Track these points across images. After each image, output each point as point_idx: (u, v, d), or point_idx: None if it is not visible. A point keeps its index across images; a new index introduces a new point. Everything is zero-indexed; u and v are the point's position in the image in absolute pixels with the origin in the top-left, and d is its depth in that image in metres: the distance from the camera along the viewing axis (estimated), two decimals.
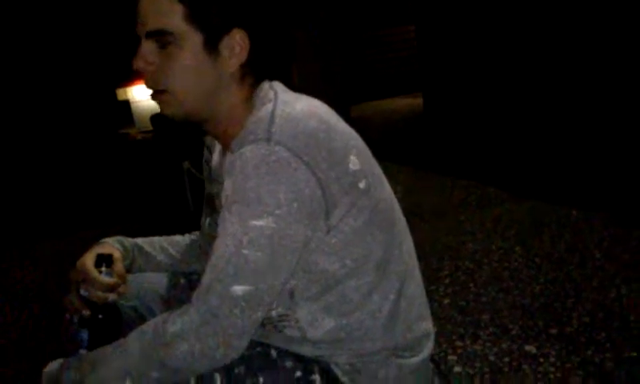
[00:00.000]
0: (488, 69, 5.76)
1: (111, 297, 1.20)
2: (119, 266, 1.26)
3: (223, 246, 0.96)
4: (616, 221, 3.21)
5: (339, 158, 1.00)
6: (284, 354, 1.11)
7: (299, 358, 1.11)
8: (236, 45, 1.07)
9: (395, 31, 9.97)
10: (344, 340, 1.09)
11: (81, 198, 5.46)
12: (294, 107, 1.01)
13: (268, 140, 0.94)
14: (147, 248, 1.40)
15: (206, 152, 1.34)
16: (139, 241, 1.40)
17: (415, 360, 1.16)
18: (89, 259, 1.23)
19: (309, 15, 5.21)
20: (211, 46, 1.05)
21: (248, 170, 0.94)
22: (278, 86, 1.12)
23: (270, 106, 1.02)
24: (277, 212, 0.93)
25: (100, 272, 1.20)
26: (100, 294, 1.19)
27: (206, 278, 0.98)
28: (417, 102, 8.21)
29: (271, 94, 1.08)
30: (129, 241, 1.37)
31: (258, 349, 1.11)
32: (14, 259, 3.91)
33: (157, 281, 1.39)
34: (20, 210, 5.36)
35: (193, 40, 1.04)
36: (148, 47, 1.06)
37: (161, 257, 1.41)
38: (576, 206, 3.52)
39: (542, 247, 3.04)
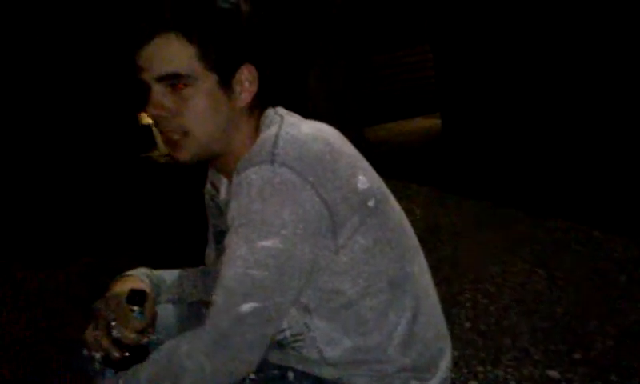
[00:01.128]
0: (506, 89, 5.75)
1: (144, 340, 1.13)
2: (151, 305, 1.22)
3: (231, 268, 0.97)
4: (637, 243, 3.17)
5: (346, 177, 1.00)
6: (302, 376, 1.12)
7: (318, 381, 1.11)
8: (246, 80, 1.09)
9: (411, 52, 10.00)
10: (362, 361, 1.09)
11: (102, 222, 5.52)
12: (298, 130, 1.03)
13: (272, 162, 0.95)
14: (170, 280, 1.37)
15: (209, 187, 1.32)
16: (162, 273, 1.37)
17: (434, 382, 1.15)
18: (121, 295, 1.16)
19: (323, 37, 5.25)
20: (224, 83, 1.07)
21: (253, 193, 0.95)
22: (283, 110, 1.14)
23: (274, 129, 1.04)
24: (283, 232, 0.94)
25: (132, 310, 1.13)
26: (134, 336, 1.12)
27: (215, 300, 0.99)
28: (434, 123, 8.21)
29: (276, 118, 1.10)
30: (154, 273, 1.34)
31: (275, 371, 1.12)
32: (41, 276, 3.95)
33: (180, 312, 1.39)
34: (44, 233, 5.42)
35: (208, 80, 1.05)
36: (161, 92, 1.05)
37: (184, 288, 1.40)
38: (597, 228, 3.48)
39: (563, 269, 3.01)
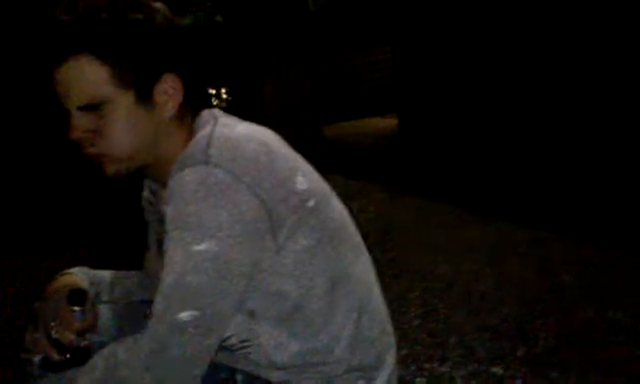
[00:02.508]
0: (463, 91, 5.85)
1: (84, 342, 1.11)
2: (92, 305, 1.19)
3: (169, 274, 0.95)
4: (585, 243, 3.27)
5: (284, 178, 1.00)
6: (250, 379, 1.10)
7: (267, 382, 1.10)
8: (169, 89, 1.06)
9: (370, 53, 10.08)
10: (310, 364, 1.08)
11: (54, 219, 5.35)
12: (233, 130, 1.01)
13: (206, 163, 0.93)
14: (111, 279, 1.34)
15: (147, 194, 1.28)
16: (103, 272, 1.34)
17: (381, 380, 1.15)
18: (61, 295, 1.14)
19: (279, 37, 5.24)
20: (144, 98, 1.04)
21: (187, 195, 0.93)
22: (219, 112, 1.12)
23: (207, 129, 1.02)
24: (219, 235, 0.92)
25: (73, 311, 1.09)
26: (74, 337, 1.09)
27: (154, 308, 0.96)
28: (392, 123, 8.29)
29: (210, 119, 1.07)
30: (93, 273, 1.31)
31: (223, 374, 1.10)
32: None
33: (123, 313, 1.35)
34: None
35: (125, 99, 1.02)
36: (81, 117, 1.03)
37: (126, 288, 1.35)
38: (546, 228, 3.57)
39: (511, 269, 3.08)
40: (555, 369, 2.14)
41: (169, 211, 0.96)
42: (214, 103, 7.72)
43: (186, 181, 0.94)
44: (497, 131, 5.36)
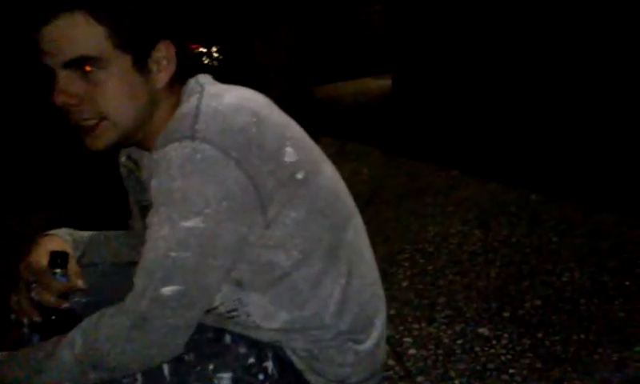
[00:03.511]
0: (458, 50, 5.79)
1: (64, 304, 1.11)
2: (74, 266, 1.19)
3: (153, 250, 0.94)
4: (573, 205, 3.30)
5: (272, 151, 0.98)
6: (238, 338, 1.10)
7: (253, 344, 1.10)
8: (163, 58, 1.04)
9: (364, 10, 9.94)
10: (299, 330, 1.10)
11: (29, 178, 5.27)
12: (220, 101, 0.98)
13: (193, 137, 0.92)
14: (96, 240, 1.34)
15: (124, 160, 1.26)
16: (88, 233, 1.33)
17: (370, 342, 1.17)
18: (42, 257, 1.14)
19: None
20: (140, 63, 1.01)
21: (173, 170, 0.92)
22: (206, 78, 1.09)
23: (194, 101, 0.99)
24: (205, 211, 0.92)
25: (54, 273, 1.09)
26: (53, 299, 1.10)
27: (136, 282, 0.96)
28: (385, 83, 8.22)
29: (197, 88, 1.05)
30: (78, 234, 1.30)
31: (210, 334, 1.10)
32: None
33: (111, 272, 1.35)
34: None
35: (121, 61, 0.99)
36: (68, 78, 0.98)
37: (111, 248, 1.36)
38: (536, 191, 3.59)
39: (500, 231, 3.11)
40: (541, 329, 2.19)
41: (154, 185, 0.95)
42: (205, 62, 7.62)
43: (172, 156, 0.92)
44: (492, 92, 5.33)
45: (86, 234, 1.33)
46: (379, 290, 1.23)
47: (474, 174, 4.11)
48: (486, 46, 5.36)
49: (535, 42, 4.81)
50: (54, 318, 1.09)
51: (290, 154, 1.01)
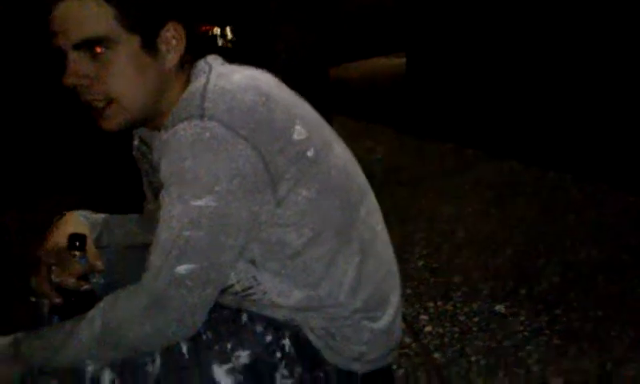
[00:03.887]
0: (474, 30, 5.73)
1: (85, 286, 1.13)
2: (93, 248, 1.21)
3: (166, 229, 0.95)
4: (590, 183, 3.27)
5: (282, 129, 0.98)
6: (256, 317, 1.10)
7: (271, 322, 1.10)
8: (172, 38, 1.03)
9: None
10: (315, 308, 1.10)
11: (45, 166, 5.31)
12: (228, 80, 0.98)
13: (201, 116, 0.92)
14: (113, 222, 1.35)
15: (138, 143, 1.26)
16: (106, 216, 1.35)
17: (386, 320, 1.17)
18: (61, 240, 1.15)
19: None
20: (149, 44, 1.01)
21: (183, 150, 0.92)
22: (215, 59, 1.09)
23: (202, 80, 0.99)
24: (216, 189, 0.92)
25: (74, 255, 1.11)
26: (73, 282, 1.12)
27: (151, 262, 0.97)
28: (400, 62, 8.17)
29: (206, 68, 1.05)
30: (95, 216, 1.32)
31: (227, 313, 1.10)
32: None
33: (128, 254, 1.34)
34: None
35: (130, 42, 0.99)
36: (79, 59, 0.99)
37: (128, 231, 1.36)
38: (552, 168, 3.57)
39: (516, 209, 3.10)
40: (557, 307, 2.18)
41: (164, 165, 0.95)
42: (219, 43, 7.59)
43: (181, 135, 0.92)
44: (508, 70, 5.28)
45: (102, 216, 1.34)
46: (394, 268, 1.22)
47: (490, 153, 4.08)
48: (502, 23, 5.30)
49: (552, 20, 4.74)
50: (73, 299, 1.11)
51: (299, 132, 1.00)
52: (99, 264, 1.19)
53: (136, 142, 1.28)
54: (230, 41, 8.61)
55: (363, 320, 1.14)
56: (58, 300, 1.12)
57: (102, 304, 1.02)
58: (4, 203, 4.02)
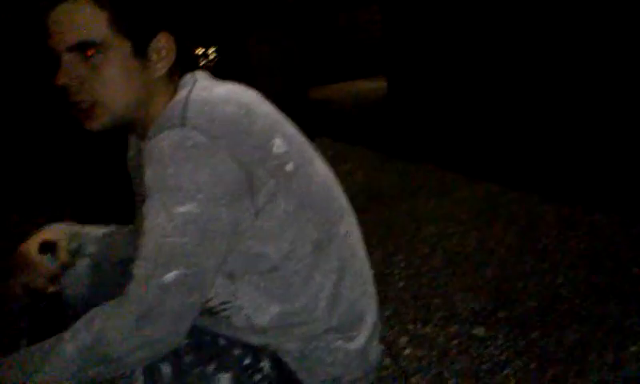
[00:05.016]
0: (454, 53, 5.81)
1: (52, 288, 1.18)
2: (63, 255, 1.24)
3: (150, 238, 0.96)
4: (569, 206, 3.31)
5: (262, 140, 1.00)
6: (233, 342, 1.12)
7: (247, 347, 1.12)
8: (162, 48, 1.07)
9: (359, 13, 9.97)
10: (290, 325, 1.10)
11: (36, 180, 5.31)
12: (211, 91, 1.01)
13: (183, 125, 0.94)
14: (97, 235, 1.36)
15: (132, 154, 1.29)
16: (90, 228, 1.37)
17: (360, 340, 1.17)
18: (32, 245, 1.21)
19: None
20: (139, 51, 1.04)
21: (165, 158, 0.93)
22: (202, 74, 1.12)
23: (185, 92, 1.02)
24: (199, 196, 0.94)
25: (42, 258, 1.18)
26: (41, 282, 1.17)
27: (136, 271, 0.97)
28: (381, 85, 8.24)
29: (190, 81, 1.08)
30: (76, 227, 1.34)
31: (207, 337, 1.11)
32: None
33: (108, 268, 1.37)
34: None
35: (121, 48, 1.03)
36: (71, 61, 1.02)
37: (113, 243, 1.37)
38: (531, 191, 3.60)
39: (496, 232, 3.12)
40: (536, 330, 2.19)
41: (147, 175, 0.97)
42: (202, 63, 7.63)
43: (163, 144, 0.94)
44: (488, 94, 5.35)
45: (88, 228, 1.36)
46: (371, 288, 1.23)
47: (470, 175, 4.12)
48: (482, 47, 5.38)
49: (530, 44, 4.83)
50: (42, 305, 1.16)
51: (279, 145, 1.02)
52: (67, 274, 1.24)
53: (131, 153, 1.29)
54: (212, 60, 8.67)
55: (337, 340, 1.14)
56: (25, 300, 1.17)
57: (85, 317, 1.01)
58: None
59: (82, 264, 1.33)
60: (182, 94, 1.02)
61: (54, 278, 1.19)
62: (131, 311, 0.97)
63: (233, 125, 0.97)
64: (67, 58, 1.02)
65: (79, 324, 1.01)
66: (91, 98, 1.04)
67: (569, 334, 2.14)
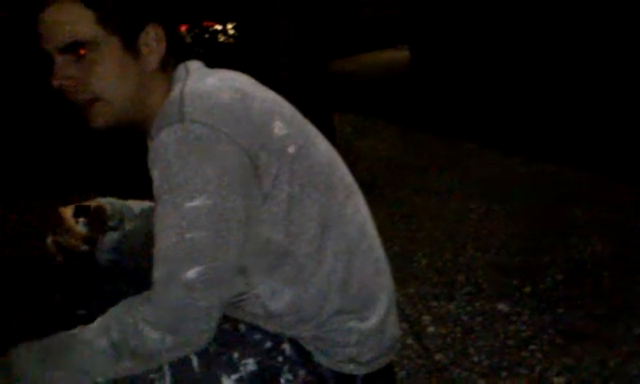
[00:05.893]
0: (478, 22, 5.70)
1: (84, 247, 1.22)
2: (99, 220, 1.27)
3: (165, 238, 0.95)
4: (595, 178, 3.25)
5: (261, 124, 1.00)
6: (253, 327, 1.12)
7: (266, 332, 1.12)
8: (152, 41, 1.06)
9: None
10: (304, 309, 1.10)
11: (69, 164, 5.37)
12: (203, 82, 1.01)
13: (182, 120, 0.93)
14: (138, 209, 1.38)
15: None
16: (131, 202, 1.39)
17: (375, 320, 1.16)
18: (69, 208, 1.26)
19: None
20: (129, 45, 1.04)
21: (169, 156, 0.93)
22: (194, 64, 1.11)
23: (179, 86, 1.02)
24: (209, 188, 0.93)
25: (77, 222, 1.23)
26: (72, 242, 1.21)
27: (157, 273, 0.97)
28: (404, 55, 8.13)
29: (182, 74, 1.07)
30: (119, 202, 1.36)
31: (227, 325, 1.11)
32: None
33: (139, 240, 1.37)
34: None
35: (110, 43, 1.03)
36: (64, 62, 1.03)
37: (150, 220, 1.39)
38: (557, 163, 3.55)
39: (520, 205, 3.08)
40: (562, 304, 2.17)
41: (154, 175, 0.96)
42: (220, 40, 7.59)
43: (165, 142, 0.94)
44: (512, 63, 5.25)
45: (130, 203, 1.38)
46: (384, 266, 1.22)
47: (494, 148, 4.06)
48: (507, 15, 5.27)
49: (554, 12, 4.71)
50: (76, 263, 1.24)
51: (279, 128, 1.02)
52: (100, 238, 1.26)
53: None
54: (232, 36, 8.63)
55: (351, 321, 1.13)
56: (59, 257, 1.23)
57: (113, 311, 1.02)
58: (4, 205, 4.05)
59: (116, 237, 1.34)
60: (176, 89, 1.02)
61: (86, 240, 1.23)
62: (160, 315, 0.97)
63: (231, 112, 0.97)
64: (60, 59, 1.03)
65: (108, 318, 1.02)
66: (90, 95, 1.05)
67: (595, 309, 2.11)
